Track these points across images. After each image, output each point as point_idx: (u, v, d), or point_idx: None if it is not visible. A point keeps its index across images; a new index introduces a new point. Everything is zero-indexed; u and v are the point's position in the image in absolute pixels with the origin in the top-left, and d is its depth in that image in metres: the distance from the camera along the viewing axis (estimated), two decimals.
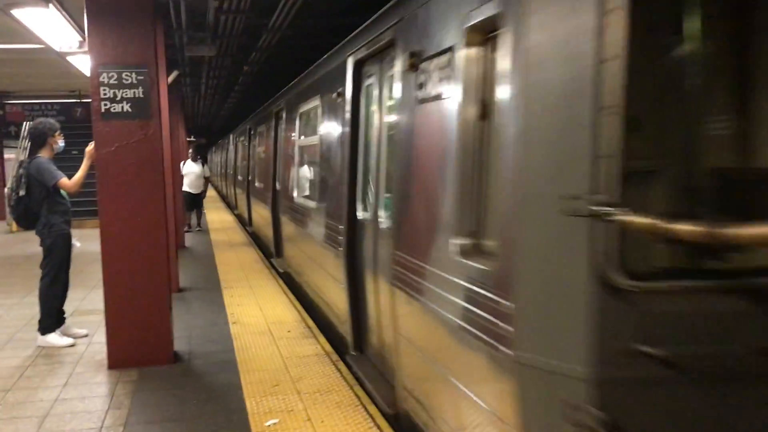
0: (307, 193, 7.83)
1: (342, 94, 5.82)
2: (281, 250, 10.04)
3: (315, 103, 7.31)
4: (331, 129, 6.38)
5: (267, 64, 12.65)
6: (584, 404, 2.28)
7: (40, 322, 6.38)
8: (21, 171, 6.33)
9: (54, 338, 6.32)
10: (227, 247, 13.26)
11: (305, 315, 7.35)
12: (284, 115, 9.87)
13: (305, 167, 8.11)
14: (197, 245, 13.63)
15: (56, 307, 6.39)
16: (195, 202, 16.16)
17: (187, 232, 14.91)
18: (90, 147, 5.90)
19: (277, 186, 10.18)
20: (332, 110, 6.36)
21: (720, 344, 2.32)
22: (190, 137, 33.44)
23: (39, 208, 6.27)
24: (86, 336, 6.60)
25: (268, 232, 11.25)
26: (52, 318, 6.37)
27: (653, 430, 2.34)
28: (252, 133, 15.26)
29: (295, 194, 8.45)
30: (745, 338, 2.33)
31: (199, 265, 11.08)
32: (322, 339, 6.38)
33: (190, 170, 15.96)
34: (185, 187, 15.33)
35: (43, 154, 6.37)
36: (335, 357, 5.81)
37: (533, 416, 2.52)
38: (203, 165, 16.86)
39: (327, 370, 5.46)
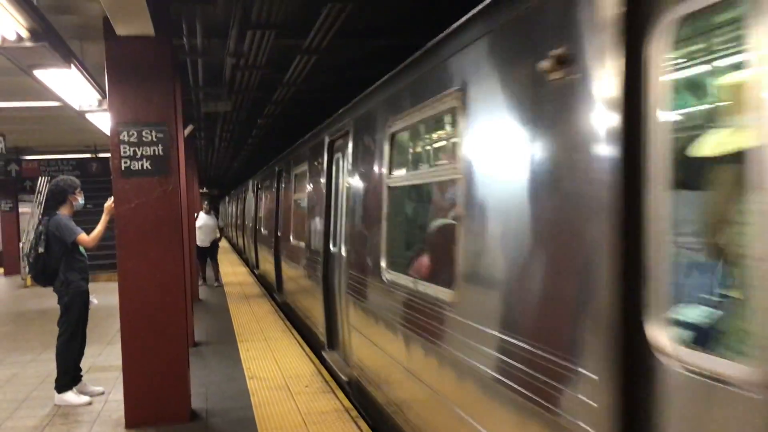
0: (299, 236, 9.82)
1: (321, 162, 7.91)
2: (281, 284, 12.04)
3: (304, 167, 9.51)
4: (315, 187, 8.56)
5: (281, 117, 12.81)
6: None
7: (57, 380, 6.34)
8: (40, 228, 6.37)
9: (71, 396, 6.27)
10: (241, 299, 13.23)
11: (321, 368, 7.28)
12: (283, 174, 12.19)
13: (298, 216, 10.20)
14: (211, 297, 13.60)
15: (73, 364, 6.36)
16: (208, 254, 16.10)
17: (203, 285, 14.89)
18: (109, 202, 5.95)
19: (279, 233, 12.23)
20: (315, 173, 8.47)
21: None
22: (203, 189, 33.70)
23: (57, 265, 6.29)
24: (102, 394, 6.54)
25: (271, 271, 13.19)
26: (69, 376, 6.33)
27: None
28: (258, 187, 17.36)
29: (291, 238, 10.53)
30: None
31: (214, 318, 11.04)
32: (341, 394, 6.30)
33: (204, 223, 15.89)
34: (198, 243, 15.12)
35: (63, 212, 6.42)
36: (354, 413, 5.73)
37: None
38: (216, 217, 16.83)
39: (346, 427, 5.37)
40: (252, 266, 18.50)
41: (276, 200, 12.85)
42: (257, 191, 17.52)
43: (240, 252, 24.48)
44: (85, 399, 6.29)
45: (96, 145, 17.96)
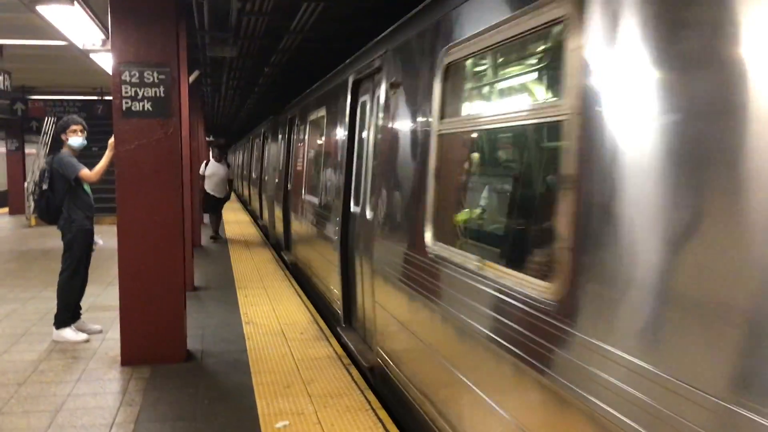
0: (312, 191, 8.78)
1: (343, 107, 6.89)
2: (290, 243, 11.07)
3: (321, 113, 8.36)
4: (333, 137, 7.42)
5: (288, 66, 12.69)
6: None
7: (56, 316, 6.43)
8: (44, 165, 6.41)
9: (69, 333, 6.36)
10: (242, 246, 13.31)
11: (318, 316, 7.36)
12: (296, 122, 11.02)
13: (312, 169, 9.13)
14: (213, 244, 13.68)
15: (73, 302, 6.44)
16: (217, 206, 14.57)
17: (213, 238, 14.13)
18: (113, 140, 5.96)
19: (289, 186, 11.23)
20: (335, 120, 7.39)
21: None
22: (210, 137, 33.57)
23: (61, 203, 6.33)
24: (101, 332, 6.64)
25: (279, 228, 12.24)
26: (68, 313, 6.42)
27: None
28: (268, 136, 16.02)
29: (303, 193, 9.50)
30: None
31: (214, 264, 11.13)
32: (334, 342, 6.38)
33: (215, 172, 14.41)
34: (209, 190, 14.19)
35: (66, 149, 6.45)
36: (347, 360, 5.81)
37: None
38: (228, 167, 15.07)
39: (338, 374, 5.45)
40: (256, 218, 17.99)
41: (287, 152, 11.77)
42: (265, 140, 16.29)
43: (245, 203, 23.80)
44: (83, 336, 6.39)
45: (102, 88, 17.90)
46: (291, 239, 11.00)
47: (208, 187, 14.20)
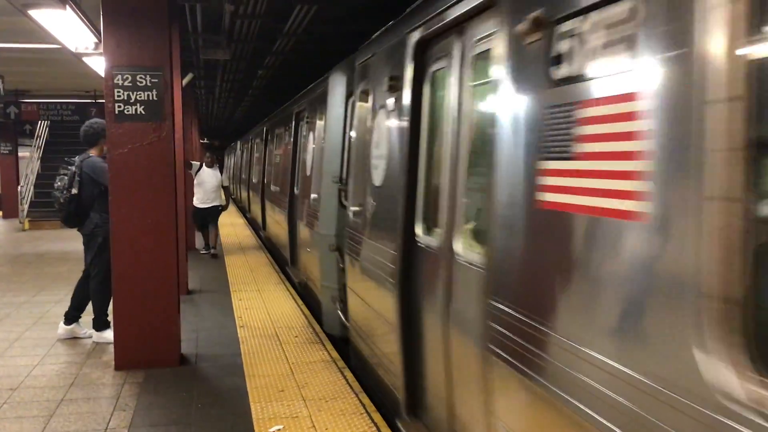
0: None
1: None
2: (297, 258, 9.43)
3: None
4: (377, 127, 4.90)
5: (281, 69, 12.69)
6: (332, 243, 6.78)
7: (94, 320, 6.51)
8: (73, 169, 6.35)
9: (110, 334, 6.29)
10: (237, 250, 13.29)
11: (312, 320, 7.35)
12: (306, 115, 9.06)
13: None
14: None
15: (108, 303, 6.36)
16: (209, 218, 12.41)
17: (205, 253, 12.38)
18: None
19: (296, 191, 9.55)
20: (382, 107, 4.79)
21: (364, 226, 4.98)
22: (204, 139, 33.47)
23: (90, 207, 6.33)
24: (90, 338, 6.59)
25: (283, 238, 10.75)
26: (106, 315, 6.42)
27: None
28: (269, 135, 14.35)
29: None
30: None
31: (208, 267, 11.10)
32: (329, 345, 6.37)
33: (206, 179, 12.22)
34: (197, 202, 12.16)
35: (93, 153, 6.44)
36: (341, 364, 5.80)
37: None
38: (222, 172, 13.03)
39: (333, 377, 5.44)
40: (257, 228, 15.94)
41: (293, 150, 10.07)
42: (266, 139, 14.54)
43: (244, 211, 21.92)
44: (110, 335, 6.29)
45: (95, 90, 17.86)
46: (298, 255, 9.34)
47: (196, 197, 12.12)
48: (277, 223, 11.79)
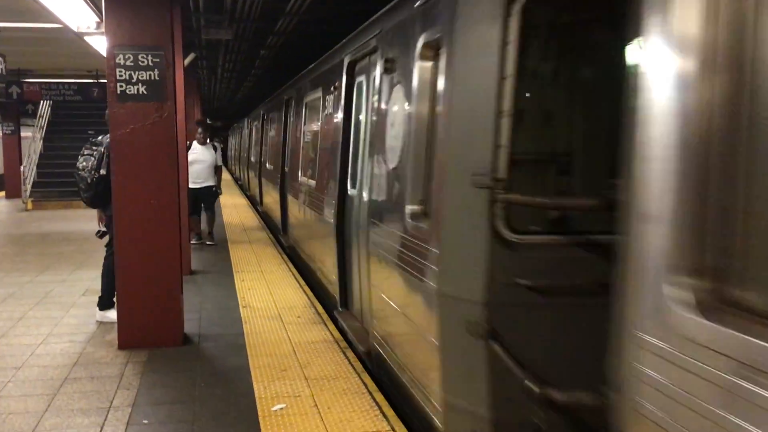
0: (309, 173, 8.35)
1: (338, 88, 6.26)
2: (287, 226, 10.70)
3: (318, 94, 7.82)
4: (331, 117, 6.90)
5: (284, 49, 12.64)
6: (480, 320, 3.25)
7: (101, 298, 6.51)
8: (103, 150, 6.20)
9: (113, 314, 6.26)
10: (240, 230, 13.31)
11: (315, 300, 7.37)
12: (293, 103, 10.31)
13: (309, 150, 8.56)
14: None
15: None
16: (203, 201, 11.33)
17: (195, 244, 10.94)
18: None
19: (286, 168, 10.72)
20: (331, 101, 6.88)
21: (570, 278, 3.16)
22: (206, 119, 33.35)
23: None
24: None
25: (276, 210, 11.97)
26: (113, 295, 6.42)
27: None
28: (265, 118, 15.04)
29: (299, 175, 9.05)
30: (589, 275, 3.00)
31: (211, 248, 11.12)
32: (331, 325, 6.40)
33: (199, 157, 11.10)
34: (190, 182, 10.43)
35: None
36: (343, 344, 5.83)
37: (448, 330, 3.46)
38: (216, 149, 11.78)
39: (335, 357, 5.47)
40: (256, 204, 17.09)
41: (283, 133, 10.76)
42: (263, 122, 14.85)
43: (245, 189, 22.40)
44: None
45: (98, 70, 17.83)
46: (288, 223, 10.70)
47: (190, 177, 10.56)
48: (271, 197, 13.17)
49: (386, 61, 4.80)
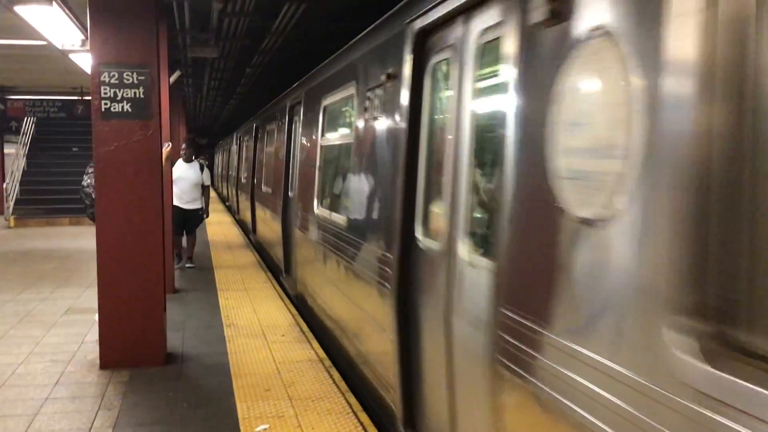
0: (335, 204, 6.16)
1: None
2: (292, 266, 8.61)
3: (350, 91, 5.58)
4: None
5: (270, 67, 12.66)
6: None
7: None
8: None
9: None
10: (225, 248, 13.25)
11: (299, 319, 7.33)
12: (302, 109, 8.10)
13: (334, 172, 6.42)
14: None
15: None
16: (188, 222, 10.60)
17: (179, 267, 10.37)
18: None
19: (290, 193, 8.72)
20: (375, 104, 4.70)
21: None
22: (191, 136, 33.24)
23: None
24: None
25: (276, 246, 9.79)
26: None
27: None
28: (259, 131, 13.24)
29: (315, 205, 6.79)
30: None
31: (195, 267, 11.05)
32: (316, 344, 6.36)
33: (183, 175, 10.43)
34: (176, 200, 9.95)
35: None
36: (328, 363, 5.79)
37: None
38: (202, 169, 11.00)
39: (320, 376, 5.44)
40: (247, 232, 14.76)
41: (287, 148, 9.06)
42: (257, 136, 13.29)
43: (233, 213, 20.44)
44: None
45: (83, 87, 17.76)
46: (293, 264, 8.49)
47: (175, 196, 9.90)
48: (268, 227, 10.91)
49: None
